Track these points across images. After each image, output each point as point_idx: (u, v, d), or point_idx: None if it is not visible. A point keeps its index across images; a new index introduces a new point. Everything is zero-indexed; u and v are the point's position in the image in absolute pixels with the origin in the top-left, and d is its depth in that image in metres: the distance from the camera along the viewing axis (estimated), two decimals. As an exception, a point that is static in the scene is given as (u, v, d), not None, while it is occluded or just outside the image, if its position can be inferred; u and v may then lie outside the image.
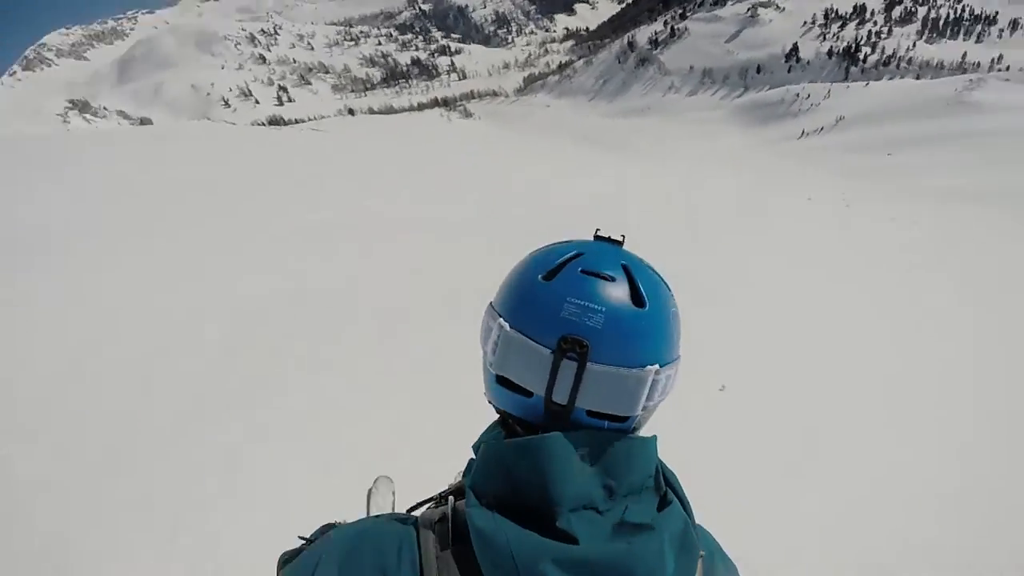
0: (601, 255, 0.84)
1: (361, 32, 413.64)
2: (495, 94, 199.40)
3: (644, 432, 0.86)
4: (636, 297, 0.80)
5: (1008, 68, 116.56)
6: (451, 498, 0.85)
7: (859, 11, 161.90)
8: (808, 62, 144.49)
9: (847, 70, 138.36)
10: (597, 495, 0.76)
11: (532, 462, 0.76)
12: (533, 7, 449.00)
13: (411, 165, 15.16)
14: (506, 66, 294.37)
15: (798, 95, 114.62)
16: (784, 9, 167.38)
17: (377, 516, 0.88)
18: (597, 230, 0.93)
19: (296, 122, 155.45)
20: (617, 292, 0.79)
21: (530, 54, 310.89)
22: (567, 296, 0.78)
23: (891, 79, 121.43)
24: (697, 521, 0.94)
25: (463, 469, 0.89)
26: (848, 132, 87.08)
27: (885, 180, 41.54)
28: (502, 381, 0.83)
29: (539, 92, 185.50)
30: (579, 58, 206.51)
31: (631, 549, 0.71)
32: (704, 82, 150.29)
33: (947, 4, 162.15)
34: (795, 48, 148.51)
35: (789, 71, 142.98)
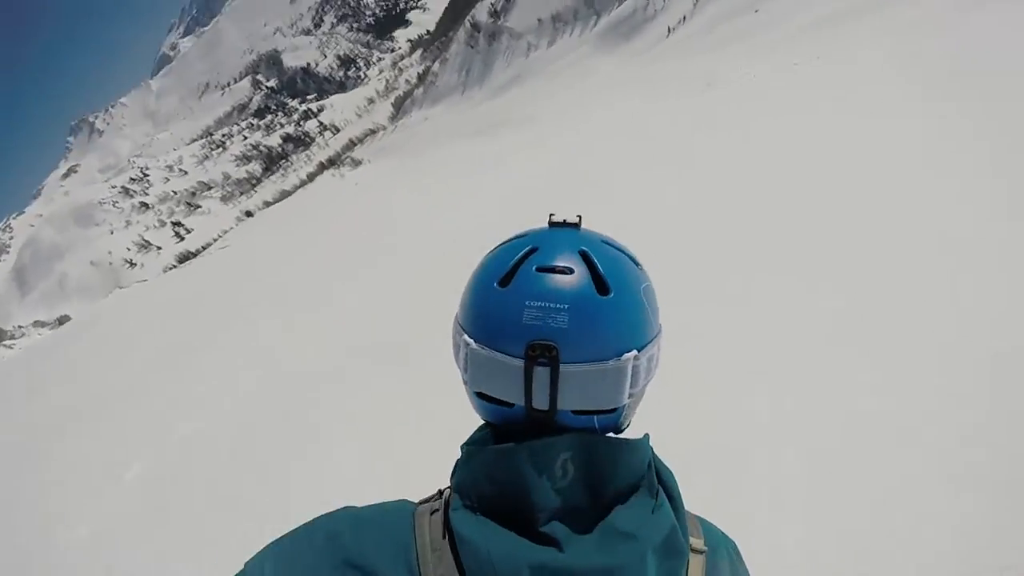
0: (555, 245, 0.80)
1: (223, 136, 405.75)
2: (373, 132, 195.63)
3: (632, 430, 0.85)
4: (599, 285, 0.77)
5: None
6: (448, 490, 0.84)
7: None
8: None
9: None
10: (581, 500, 0.75)
11: (512, 469, 0.75)
12: (370, 37, 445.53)
13: (314, 239, 15.83)
14: (371, 101, 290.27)
15: (647, 2, 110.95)
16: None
17: (384, 503, 0.87)
18: (551, 215, 0.89)
19: (204, 248, 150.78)
20: (577, 284, 0.76)
21: (387, 80, 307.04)
22: (525, 300, 0.75)
23: None
24: (702, 515, 0.94)
25: (454, 467, 0.87)
26: (708, 8, 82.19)
27: (761, 34, 38.21)
28: (481, 395, 0.82)
29: (412, 111, 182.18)
30: (434, 60, 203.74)
31: (612, 560, 0.70)
32: (557, 27, 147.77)
33: None
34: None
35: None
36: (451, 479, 0.84)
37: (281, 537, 0.85)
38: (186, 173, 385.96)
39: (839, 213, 6.07)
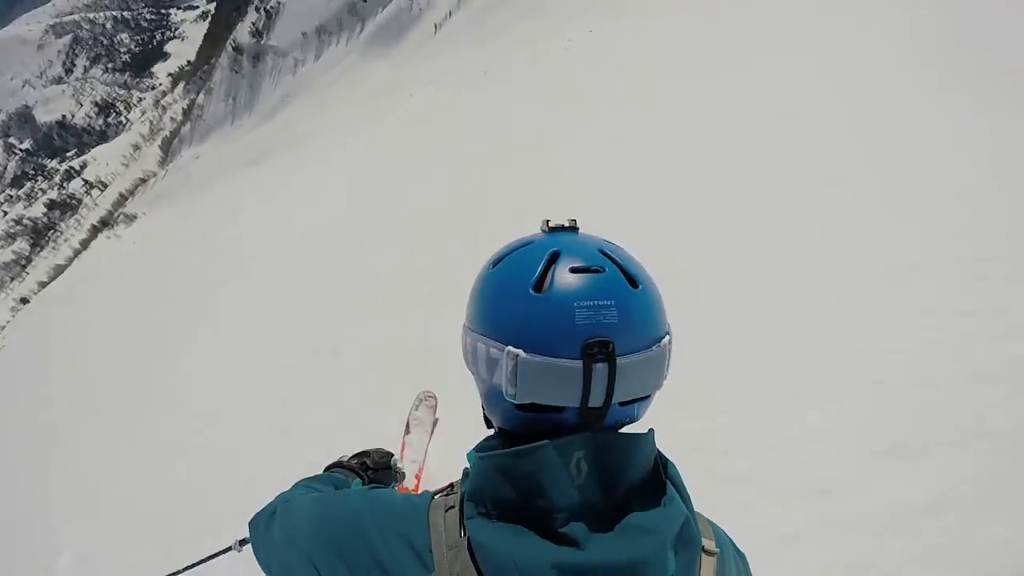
0: (574, 248, 0.82)
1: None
2: (144, 180, 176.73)
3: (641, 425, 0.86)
4: (629, 279, 0.80)
5: None
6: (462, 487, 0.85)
7: None
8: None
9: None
10: (596, 498, 0.75)
11: (529, 471, 0.75)
12: (127, 76, 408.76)
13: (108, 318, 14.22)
14: (137, 147, 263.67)
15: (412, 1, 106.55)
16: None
17: (395, 495, 0.90)
18: (547, 221, 0.90)
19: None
20: (614, 280, 0.79)
21: (151, 121, 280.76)
22: (574, 301, 0.76)
23: None
24: (701, 512, 0.94)
25: (462, 476, 0.88)
26: (473, 2, 79.89)
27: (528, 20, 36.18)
28: (524, 407, 0.81)
29: (182, 150, 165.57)
30: (199, 92, 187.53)
31: (635, 554, 0.70)
32: (323, 39, 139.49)
33: None
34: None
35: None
36: (460, 486, 0.84)
37: (316, 496, 0.93)
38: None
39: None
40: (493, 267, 0.87)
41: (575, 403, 0.76)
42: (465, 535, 0.75)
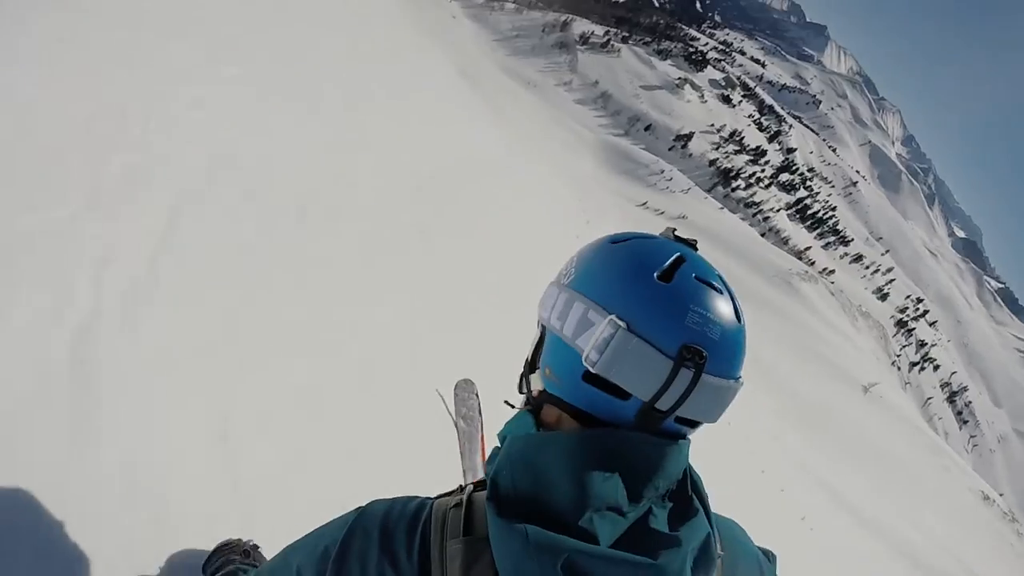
0: (701, 263, 0.85)
1: None
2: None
3: None
4: (736, 312, 0.82)
5: (832, 283, 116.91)
6: (470, 487, 0.84)
7: (758, 153, 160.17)
8: (691, 155, 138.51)
9: (714, 186, 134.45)
10: (622, 497, 0.74)
11: (565, 459, 0.75)
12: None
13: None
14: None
15: (663, 172, 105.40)
16: (707, 103, 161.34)
17: (394, 499, 0.88)
18: (674, 230, 0.92)
19: None
20: (727, 305, 0.81)
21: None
22: (690, 304, 0.78)
23: (743, 219, 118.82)
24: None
25: (489, 456, 0.87)
26: (685, 231, 77.60)
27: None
28: (592, 379, 0.80)
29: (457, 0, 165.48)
30: (513, 3, 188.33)
31: (657, 563, 0.69)
32: (597, 101, 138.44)
33: (822, 205, 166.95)
34: (690, 136, 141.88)
35: (670, 149, 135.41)
36: (487, 467, 0.83)
37: (308, 535, 0.90)
38: None
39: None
40: (614, 243, 0.88)
41: (645, 396, 0.77)
42: (474, 533, 0.75)
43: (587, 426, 0.82)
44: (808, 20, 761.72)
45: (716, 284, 0.81)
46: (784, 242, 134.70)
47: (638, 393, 0.77)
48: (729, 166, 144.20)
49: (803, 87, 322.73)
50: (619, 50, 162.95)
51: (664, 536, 0.73)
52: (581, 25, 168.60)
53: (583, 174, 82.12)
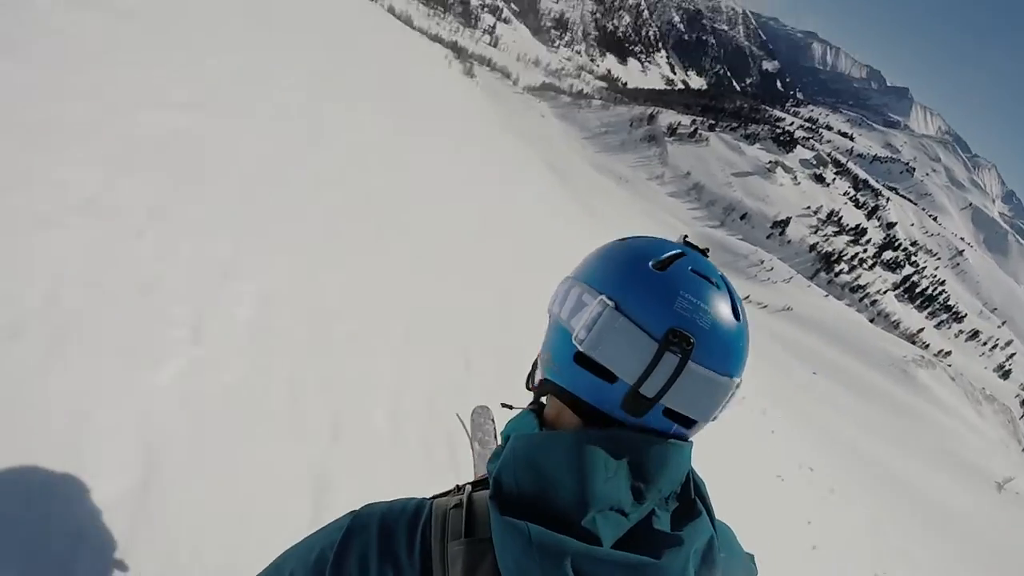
0: (703, 262, 0.85)
1: None
2: (506, 75, 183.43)
3: None
4: (734, 310, 0.81)
5: (950, 366, 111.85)
6: (468, 487, 0.85)
7: (859, 232, 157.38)
8: (789, 241, 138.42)
9: (817, 272, 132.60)
10: (625, 497, 0.75)
11: (568, 457, 0.75)
12: (595, 32, 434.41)
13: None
14: (536, 63, 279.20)
15: (762, 262, 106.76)
16: (799, 184, 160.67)
17: (392, 501, 0.87)
18: (684, 237, 0.93)
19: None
20: (723, 300, 0.80)
21: (563, 67, 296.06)
22: (680, 290, 0.78)
23: (849, 305, 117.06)
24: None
25: (492, 454, 0.87)
26: (789, 324, 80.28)
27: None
28: (582, 361, 0.81)
29: (545, 101, 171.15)
30: (600, 99, 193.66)
31: (660, 562, 0.70)
32: (690, 193, 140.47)
33: (929, 280, 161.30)
34: (786, 222, 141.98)
35: (768, 237, 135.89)
36: (489, 465, 0.84)
37: (305, 539, 0.87)
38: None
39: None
40: (621, 241, 0.89)
41: (630, 379, 0.77)
42: (477, 532, 0.76)
43: (586, 420, 0.83)
44: (889, 84, 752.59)
45: (714, 280, 0.82)
46: (895, 326, 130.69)
47: (623, 375, 0.77)
48: (830, 249, 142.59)
49: (894, 156, 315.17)
50: (707, 139, 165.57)
51: (666, 536, 0.74)
52: (667, 116, 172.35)
53: None
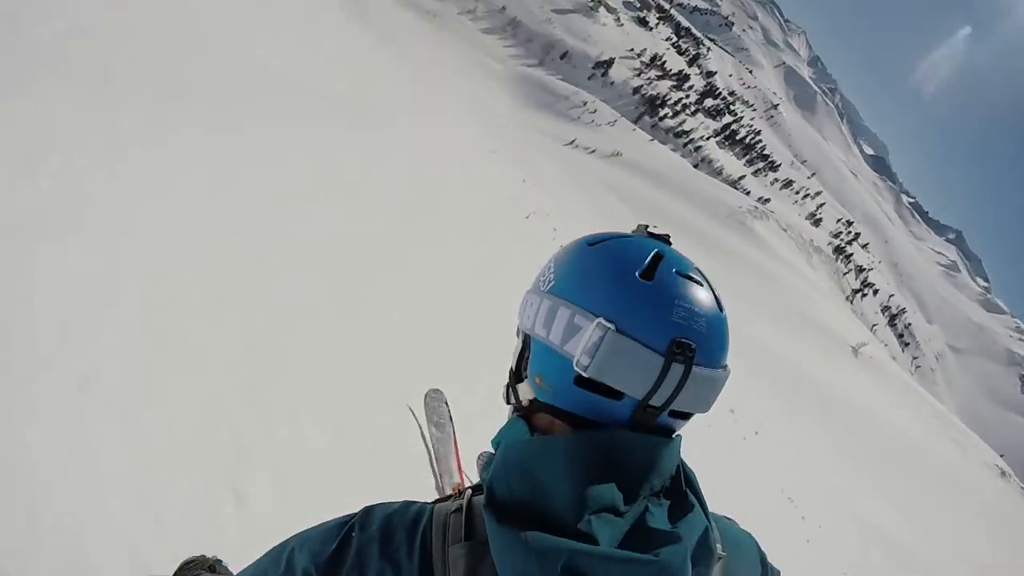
0: (677, 258, 0.86)
1: None
2: None
3: None
4: (718, 302, 0.84)
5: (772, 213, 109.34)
6: (468, 491, 0.86)
7: (682, 78, 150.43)
8: (612, 83, 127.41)
9: (640, 116, 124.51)
10: (617, 497, 0.75)
11: (561, 463, 0.76)
12: None
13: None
14: None
15: (585, 104, 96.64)
16: (623, 26, 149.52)
17: (392, 502, 0.88)
18: (647, 226, 0.93)
19: None
20: (708, 296, 0.82)
21: None
22: (674, 298, 0.79)
23: (673, 151, 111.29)
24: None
25: (483, 463, 0.88)
26: (621, 171, 72.87)
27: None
28: (584, 383, 0.81)
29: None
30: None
31: (659, 559, 0.69)
32: (506, 29, 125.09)
33: (747, 130, 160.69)
34: (609, 63, 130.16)
35: (589, 78, 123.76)
36: (481, 475, 0.85)
37: (307, 530, 0.88)
38: None
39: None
40: (590, 245, 0.88)
41: (639, 395, 0.78)
42: (476, 537, 0.76)
43: (580, 429, 0.83)
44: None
45: (695, 277, 0.83)
46: (718, 172, 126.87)
47: (632, 392, 0.78)
48: (654, 93, 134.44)
49: (714, 9, 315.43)
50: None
51: (664, 533, 0.74)
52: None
53: (499, 114, 72.25)
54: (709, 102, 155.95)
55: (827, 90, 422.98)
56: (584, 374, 0.79)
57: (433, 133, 16.39)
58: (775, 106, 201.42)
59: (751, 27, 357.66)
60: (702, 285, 0.83)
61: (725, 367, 0.83)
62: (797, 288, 63.25)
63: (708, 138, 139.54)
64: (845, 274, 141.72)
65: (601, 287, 0.81)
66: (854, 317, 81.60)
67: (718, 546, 0.83)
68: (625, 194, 62.61)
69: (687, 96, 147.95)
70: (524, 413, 0.93)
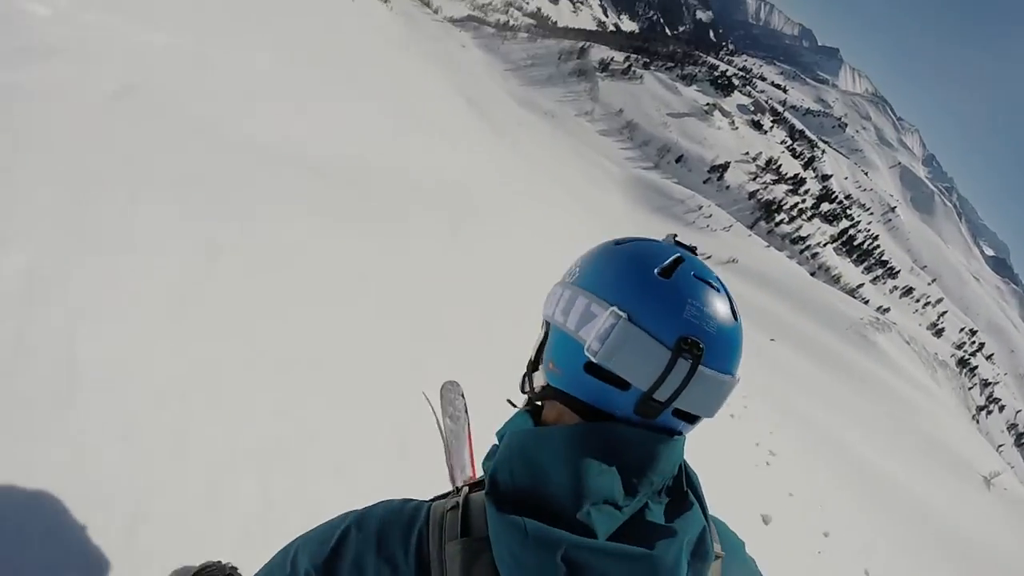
0: (699, 264, 0.88)
1: None
2: (425, 3, 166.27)
3: None
4: (732, 310, 0.86)
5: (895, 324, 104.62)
6: (465, 488, 0.87)
7: (797, 181, 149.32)
8: (728, 187, 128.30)
9: (756, 221, 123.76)
10: (618, 491, 0.77)
11: (562, 452, 0.78)
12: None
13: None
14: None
15: (701, 208, 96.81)
16: (737, 129, 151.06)
17: (391, 501, 0.90)
18: (675, 236, 0.96)
19: None
20: (723, 303, 0.84)
21: (489, 1, 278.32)
22: (688, 298, 0.81)
23: (789, 257, 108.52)
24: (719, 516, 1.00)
25: (487, 453, 0.91)
26: (737, 279, 70.61)
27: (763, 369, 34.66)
28: (593, 370, 0.83)
29: (467, 31, 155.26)
30: (526, 33, 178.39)
31: (653, 552, 0.71)
32: (623, 132, 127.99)
33: (864, 235, 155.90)
34: (725, 167, 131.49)
35: (705, 182, 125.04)
36: (484, 464, 0.87)
37: (310, 531, 0.91)
38: None
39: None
40: (617, 245, 0.92)
41: (645, 386, 0.79)
42: (474, 533, 0.77)
43: (585, 419, 0.85)
44: (820, 44, 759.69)
45: (714, 283, 0.85)
46: (835, 280, 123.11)
47: (637, 382, 0.80)
48: (770, 198, 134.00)
49: (827, 111, 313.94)
50: (641, 76, 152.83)
51: (660, 527, 0.76)
52: (599, 52, 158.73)
53: (613, 212, 73.97)
54: (825, 206, 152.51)
55: (944, 189, 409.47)
56: (594, 359, 0.81)
57: (547, 228, 16.87)
58: (892, 209, 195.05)
59: (864, 127, 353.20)
60: (719, 292, 0.85)
61: (732, 375, 0.85)
62: (924, 409, 59.07)
63: (825, 244, 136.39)
64: (970, 388, 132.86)
65: (620, 280, 0.84)
66: (983, 439, 76.29)
67: (716, 546, 0.85)
68: (740, 302, 60.09)
69: (803, 200, 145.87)
70: (533, 404, 0.97)
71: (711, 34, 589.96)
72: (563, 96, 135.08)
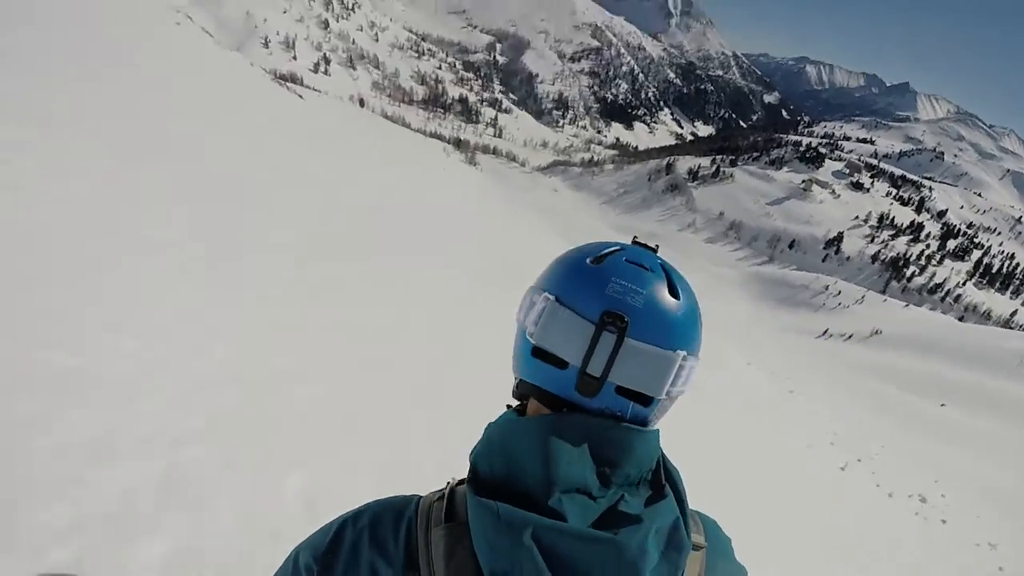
0: (641, 254, 0.93)
1: (428, 50, 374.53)
2: (513, 159, 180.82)
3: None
4: (672, 290, 0.89)
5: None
6: (453, 479, 0.92)
7: (915, 228, 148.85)
8: (848, 258, 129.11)
9: (887, 282, 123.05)
10: (591, 481, 0.80)
11: (533, 441, 0.81)
12: (596, 105, 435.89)
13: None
14: (543, 145, 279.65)
15: (827, 288, 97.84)
16: (840, 196, 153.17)
17: (385, 497, 0.95)
18: (635, 237, 1.01)
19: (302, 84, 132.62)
20: (656, 280, 0.88)
21: (571, 144, 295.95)
22: (612, 276, 0.86)
23: (932, 310, 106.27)
24: (711, 515, 1.04)
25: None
26: (886, 352, 68.53)
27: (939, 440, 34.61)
28: (538, 353, 0.89)
29: (556, 176, 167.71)
30: (612, 164, 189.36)
31: (615, 537, 0.74)
32: (728, 234, 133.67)
33: (999, 257, 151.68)
34: (839, 238, 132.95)
35: (824, 260, 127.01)
36: (470, 456, 0.89)
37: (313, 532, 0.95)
38: (376, 41, 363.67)
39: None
40: (576, 248, 0.97)
41: (577, 361, 0.83)
42: (456, 520, 0.82)
43: (555, 412, 0.88)
44: (888, 84, 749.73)
45: (647, 266, 0.89)
46: (986, 317, 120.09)
47: (570, 358, 0.84)
48: (894, 255, 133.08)
49: (919, 147, 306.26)
50: (731, 175, 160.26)
51: (628, 516, 0.77)
52: (685, 162, 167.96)
53: (739, 317, 75.72)
54: (951, 243, 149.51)
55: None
56: (532, 341, 0.89)
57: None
58: (1018, 220, 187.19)
59: (961, 149, 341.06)
60: (653, 272, 0.88)
61: (674, 349, 0.85)
62: None
63: (964, 282, 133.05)
64: None
65: (557, 270, 0.92)
66: None
67: (696, 537, 0.90)
68: (893, 374, 58.46)
69: (927, 246, 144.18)
70: (519, 405, 1.01)
71: (783, 113, 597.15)
72: (661, 214, 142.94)
